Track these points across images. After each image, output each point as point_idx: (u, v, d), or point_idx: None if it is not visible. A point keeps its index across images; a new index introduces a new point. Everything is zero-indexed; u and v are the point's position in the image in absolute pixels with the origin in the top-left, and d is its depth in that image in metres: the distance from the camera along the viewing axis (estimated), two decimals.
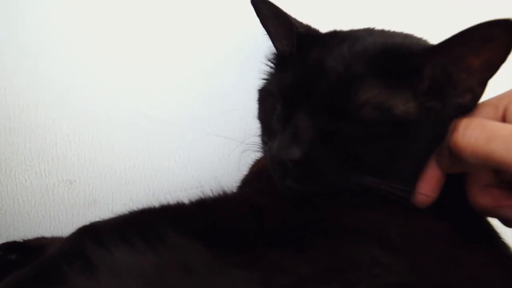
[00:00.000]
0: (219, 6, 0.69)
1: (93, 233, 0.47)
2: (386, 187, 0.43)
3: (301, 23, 0.59)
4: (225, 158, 0.71)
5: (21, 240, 0.68)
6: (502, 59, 0.43)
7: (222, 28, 0.71)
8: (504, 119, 0.42)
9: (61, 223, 0.73)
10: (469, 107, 0.46)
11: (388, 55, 0.46)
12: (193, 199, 0.48)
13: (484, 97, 0.47)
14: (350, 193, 0.44)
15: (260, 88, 0.59)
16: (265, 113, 0.57)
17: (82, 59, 0.69)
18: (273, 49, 0.61)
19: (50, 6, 0.66)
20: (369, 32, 0.54)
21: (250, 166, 0.65)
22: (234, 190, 0.60)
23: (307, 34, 0.55)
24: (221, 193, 0.50)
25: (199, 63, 0.71)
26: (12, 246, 0.66)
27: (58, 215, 0.73)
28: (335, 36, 0.53)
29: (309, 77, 0.49)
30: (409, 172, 0.45)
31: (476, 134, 0.39)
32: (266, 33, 0.61)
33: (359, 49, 0.48)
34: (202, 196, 0.49)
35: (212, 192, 0.51)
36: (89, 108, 0.70)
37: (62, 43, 0.67)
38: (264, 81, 0.59)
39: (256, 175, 0.60)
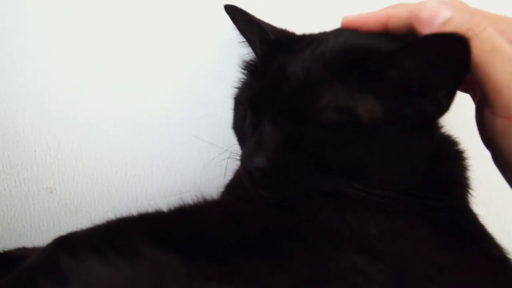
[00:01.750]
0: (202, 11, 0.68)
1: (68, 245, 0.46)
2: (358, 191, 0.43)
3: (274, 29, 0.59)
4: (209, 163, 0.70)
5: (1, 251, 0.66)
6: (463, 71, 0.43)
7: (205, 31, 0.69)
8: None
9: (43, 232, 0.72)
10: (436, 116, 0.47)
11: (346, 57, 0.46)
12: (173, 207, 0.48)
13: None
14: (328, 196, 0.43)
15: (234, 96, 0.59)
16: (237, 122, 0.58)
17: (61, 64, 0.67)
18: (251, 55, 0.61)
19: (28, 10, 0.65)
20: (338, 33, 0.54)
21: (234, 171, 0.64)
22: (218, 196, 0.60)
23: (276, 41, 0.55)
24: (202, 200, 0.49)
25: (182, 66, 0.70)
26: None
27: (39, 224, 0.72)
28: (302, 41, 0.53)
29: (272, 84, 0.49)
30: (380, 175, 0.45)
31: (481, 45, 0.41)
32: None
33: (319, 53, 0.48)
34: (182, 203, 0.48)
35: (196, 197, 0.50)
36: (69, 114, 0.68)
37: (41, 49, 0.66)
38: (238, 89, 0.59)
39: (239, 181, 0.60)
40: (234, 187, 0.59)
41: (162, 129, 0.71)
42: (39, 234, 0.72)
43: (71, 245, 0.45)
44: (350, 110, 0.45)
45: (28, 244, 0.70)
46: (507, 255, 0.48)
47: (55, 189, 0.71)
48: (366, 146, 0.45)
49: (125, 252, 0.37)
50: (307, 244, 0.35)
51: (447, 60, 0.42)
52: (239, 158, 0.56)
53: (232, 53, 0.66)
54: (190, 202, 0.49)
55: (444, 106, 0.46)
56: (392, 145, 0.46)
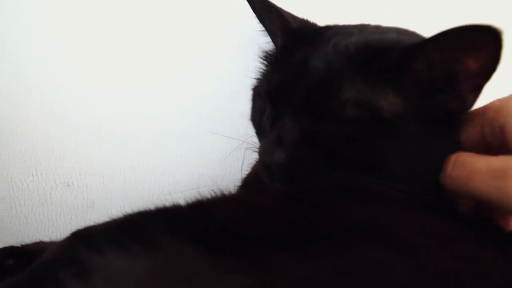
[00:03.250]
0: (217, 3, 0.69)
1: (87, 238, 0.46)
2: (379, 186, 0.42)
3: (295, 18, 0.59)
4: (225, 157, 0.71)
5: (19, 245, 0.67)
6: (493, 67, 0.42)
7: (220, 22, 0.70)
8: (483, 139, 0.44)
9: (59, 226, 0.73)
10: (458, 112, 0.46)
11: (368, 52, 0.46)
12: (190, 201, 0.48)
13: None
14: (350, 191, 0.43)
15: (253, 87, 0.59)
16: (255, 114, 0.58)
17: (79, 60, 0.68)
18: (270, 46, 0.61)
19: (41, 7, 0.65)
20: (361, 28, 0.54)
21: (252, 165, 0.64)
22: (235, 190, 0.60)
23: (298, 31, 0.55)
24: (219, 194, 0.49)
25: (196, 59, 0.71)
26: (10, 251, 0.65)
27: (56, 218, 0.73)
28: (325, 33, 0.53)
29: (293, 77, 0.49)
30: (400, 171, 0.45)
31: (459, 174, 0.41)
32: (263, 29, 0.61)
33: (342, 47, 0.48)
34: (199, 197, 0.48)
35: (213, 192, 0.50)
36: (86, 109, 0.70)
37: (60, 43, 0.67)
38: (257, 80, 0.58)
39: (257, 175, 0.60)
40: (251, 181, 0.59)
41: (178, 123, 0.72)
42: (56, 228, 0.73)
43: (90, 238, 0.45)
44: (371, 104, 0.45)
45: (45, 238, 0.71)
46: None
47: (72, 184, 0.72)
48: (387, 141, 0.45)
49: (145, 244, 0.37)
50: (331, 237, 0.34)
51: (476, 53, 0.41)
52: (256, 150, 0.56)
53: (247, 44, 0.67)
54: (207, 196, 0.49)
55: (468, 102, 0.46)
56: (413, 141, 0.45)
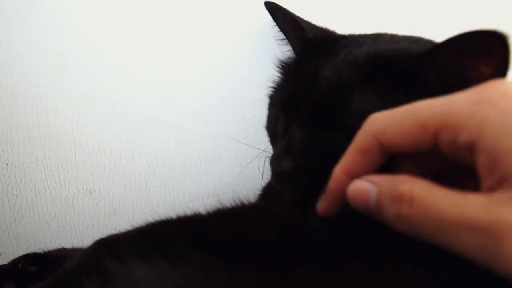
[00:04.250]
0: (239, 13, 0.71)
1: (111, 247, 0.47)
2: None
3: (313, 27, 0.61)
4: (246, 165, 0.72)
5: (42, 251, 0.70)
6: (504, 71, 0.41)
7: (242, 36, 0.72)
8: (434, 147, 0.33)
9: (82, 233, 0.75)
10: None
11: (377, 62, 0.47)
12: (210, 210, 0.49)
13: None
14: None
15: (269, 95, 0.60)
16: (270, 123, 0.59)
17: (100, 67, 0.70)
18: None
19: (67, 15, 0.68)
20: (375, 37, 0.55)
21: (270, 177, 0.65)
22: (256, 198, 0.60)
23: (313, 40, 0.57)
24: (239, 204, 0.50)
25: (219, 70, 0.72)
26: (33, 258, 0.67)
27: (78, 225, 0.75)
28: (338, 43, 0.54)
29: (303, 88, 0.51)
30: None
31: (418, 218, 0.30)
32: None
33: (352, 58, 0.49)
34: (219, 205, 0.49)
35: (233, 200, 0.51)
36: (108, 116, 0.71)
37: (80, 52, 0.69)
38: (272, 89, 0.60)
39: (268, 188, 0.62)
40: (271, 190, 0.60)
41: (200, 132, 0.74)
42: (79, 235, 0.74)
43: (114, 247, 0.46)
44: None
45: (68, 244, 0.72)
46: None
47: (95, 190, 0.74)
48: None
49: (169, 255, 0.38)
50: (358, 254, 0.34)
51: (486, 58, 0.41)
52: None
53: (269, 55, 0.67)
54: (228, 204, 0.50)
55: None
56: None
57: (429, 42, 0.53)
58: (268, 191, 0.61)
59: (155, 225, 0.49)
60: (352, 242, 0.36)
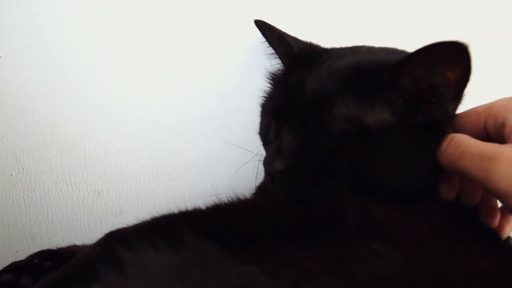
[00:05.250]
0: (234, 31, 0.74)
1: (121, 237, 0.51)
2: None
3: (298, 42, 0.64)
4: (241, 167, 0.74)
5: (55, 248, 0.71)
6: (467, 78, 0.46)
7: (237, 50, 0.75)
8: (485, 129, 0.49)
9: (91, 231, 0.78)
10: (441, 120, 0.50)
11: (357, 73, 0.51)
12: (209, 205, 0.52)
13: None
14: (352, 193, 0.47)
15: (261, 104, 0.63)
16: (262, 129, 0.63)
17: (108, 80, 0.73)
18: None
19: (75, 33, 0.71)
20: (354, 50, 0.58)
21: (263, 177, 0.68)
22: (249, 197, 0.64)
23: (299, 54, 0.60)
24: (235, 199, 0.54)
25: (217, 81, 0.76)
26: (47, 254, 0.70)
27: (88, 224, 0.78)
28: (321, 56, 0.57)
29: (291, 97, 0.54)
30: (389, 177, 0.49)
31: (453, 151, 0.45)
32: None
33: (334, 69, 0.53)
34: (217, 202, 0.53)
35: (228, 198, 0.54)
36: (115, 124, 0.75)
37: (89, 67, 0.72)
38: (264, 98, 0.63)
39: (262, 187, 0.66)
40: (264, 188, 0.64)
41: (198, 136, 0.77)
42: (88, 233, 0.77)
43: (123, 237, 0.50)
44: (359, 120, 0.49)
45: (78, 242, 0.76)
46: None
47: (103, 192, 0.77)
48: (374, 152, 0.49)
49: (172, 242, 0.42)
50: (332, 234, 0.39)
51: (450, 66, 0.45)
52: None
53: (260, 68, 0.70)
54: (225, 200, 0.53)
55: (449, 110, 0.50)
56: (402, 150, 0.49)
57: (402, 52, 0.57)
58: (261, 190, 0.64)
59: (160, 218, 0.53)
60: (331, 225, 0.42)
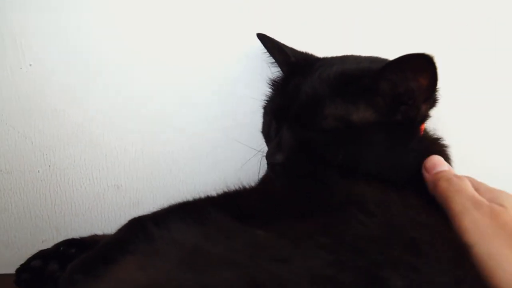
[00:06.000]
0: (240, 45, 0.79)
1: (149, 218, 0.58)
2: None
3: (295, 52, 0.70)
4: (246, 162, 0.79)
5: (78, 237, 0.76)
6: (434, 83, 0.55)
7: (241, 60, 0.79)
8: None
9: (111, 222, 0.83)
10: (416, 119, 0.58)
11: (344, 79, 0.59)
12: (219, 192, 0.60)
13: None
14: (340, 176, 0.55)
15: (263, 106, 0.70)
16: (264, 127, 0.70)
17: (128, 86, 0.78)
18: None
19: (97, 36, 0.76)
20: (343, 59, 0.66)
21: (265, 170, 0.73)
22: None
23: (295, 63, 0.67)
24: (241, 187, 0.62)
25: (224, 88, 0.81)
26: (72, 242, 0.75)
27: (108, 215, 0.83)
28: (315, 64, 0.65)
29: (289, 100, 0.61)
30: (373, 166, 0.56)
31: (448, 187, 0.53)
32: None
33: (325, 76, 0.60)
34: (226, 189, 0.61)
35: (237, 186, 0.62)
36: (132, 125, 0.80)
37: (110, 73, 0.77)
38: (265, 101, 0.70)
39: (267, 177, 0.72)
40: (266, 179, 0.70)
41: (207, 136, 0.82)
42: (108, 224, 0.83)
43: (151, 217, 0.58)
44: (346, 118, 0.57)
45: (99, 232, 0.81)
46: None
47: (121, 186, 0.82)
48: (361, 146, 0.57)
49: (196, 218, 0.49)
50: (323, 209, 0.48)
51: (420, 73, 0.54)
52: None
53: (262, 75, 0.77)
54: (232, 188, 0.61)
55: (422, 110, 0.58)
56: (384, 144, 0.57)
57: (384, 61, 0.63)
58: (264, 180, 0.71)
59: (178, 204, 0.61)
60: (318, 202, 0.50)
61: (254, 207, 0.54)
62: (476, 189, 0.52)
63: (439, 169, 0.56)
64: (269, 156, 0.61)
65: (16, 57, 0.75)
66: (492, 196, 0.50)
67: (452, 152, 0.65)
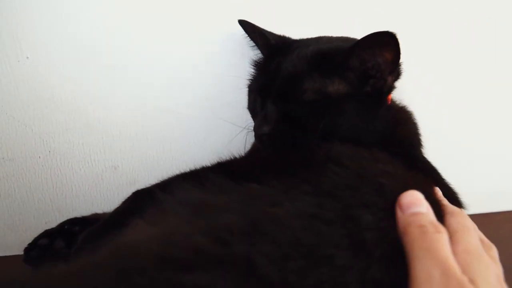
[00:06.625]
0: (224, 31, 0.83)
1: (148, 189, 0.65)
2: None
3: (274, 35, 0.77)
4: (233, 138, 0.84)
5: (80, 216, 0.81)
6: (398, 57, 0.62)
7: (226, 44, 0.84)
8: None
9: (109, 200, 0.88)
10: (383, 90, 0.65)
11: (320, 56, 0.66)
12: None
13: None
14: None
15: (248, 85, 0.77)
16: (250, 104, 0.76)
17: (121, 72, 0.82)
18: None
19: (91, 28, 0.79)
20: (318, 39, 0.73)
21: (252, 143, 0.80)
22: None
23: (275, 45, 0.73)
24: (233, 157, 0.69)
25: (211, 69, 0.85)
26: (75, 221, 0.80)
27: (106, 194, 0.88)
28: (292, 45, 0.71)
29: (272, 77, 0.67)
30: (349, 134, 0.63)
31: (420, 235, 0.43)
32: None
33: (303, 54, 0.67)
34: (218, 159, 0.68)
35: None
36: (127, 108, 0.84)
37: (104, 60, 0.81)
38: (250, 80, 0.76)
39: (254, 147, 0.79)
40: (253, 151, 0.78)
41: (196, 116, 0.87)
42: (107, 202, 0.88)
43: (160, 185, 0.64)
44: (323, 90, 0.64)
45: (99, 210, 0.86)
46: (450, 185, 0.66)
47: (118, 167, 0.87)
48: (336, 115, 0.64)
49: (198, 181, 0.56)
50: (306, 166, 0.55)
51: (385, 48, 0.61)
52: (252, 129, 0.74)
53: (245, 57, 0.83)
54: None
55: (389, 82, 0.66)
56: (357, 113, 0.64)
57: (354, 40, 0.70)
58: (252, 151, 0.77)
59: (177, 174, 0.67)
60: (300, 162, 0.58)
61: (246, 170, 0.62)
62: (455, 244, 0.44)
63: (414, 209, 0.46)
64: (256, 128, 0.67)
65: (14, 50, 0.78)
66: (469, 264, 0.42)
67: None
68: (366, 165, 0.54)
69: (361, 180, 0.50)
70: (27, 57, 0.79)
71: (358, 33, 0.66)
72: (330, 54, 0.66)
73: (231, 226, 0.42)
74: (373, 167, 0.54)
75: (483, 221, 0.57)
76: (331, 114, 0.64)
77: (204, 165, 0.68)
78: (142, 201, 0.64)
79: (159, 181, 0.67)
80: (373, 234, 0.43)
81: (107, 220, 0.66)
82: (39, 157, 0.85)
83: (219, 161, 0.69)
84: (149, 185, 0.68)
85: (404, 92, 0.74)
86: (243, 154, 0.76)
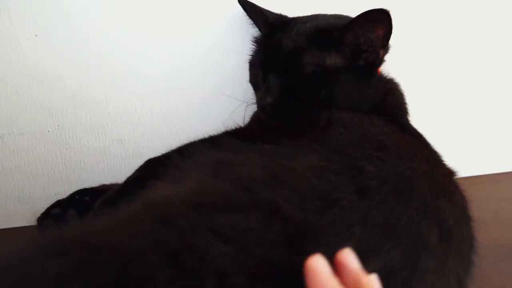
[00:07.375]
0: (226, 10, 0.86)
1: (178, 150, 0.70)
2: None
3: (272, 14, 0.81)
4: (233, 111, 0.87)
5: (89, 187, 0.87)
6: (390, 32, 0.67)
7: (229, 22, 0.87)
8: None
9: (116, 172, 0.92)
10: (375, 63, 0.71)
11: (318, 32, 0.71)
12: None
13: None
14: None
15: (249, 61, 0.81)
16: (252, 77, 0.80)
17: (125, 51, 0.85)
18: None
19: (98, 8, 0.82)
20: (314, 17, 0.77)
21: (251, 115, 0.85)
22: None
23: (274, 23, 0.78)
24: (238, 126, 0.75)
25: (214, 45, 0.89)
26: (85, 191, 0.85)
27: (113, 166, 0.92)
28: (290, 23, 0.75)
29: (273, 52, 0.71)
30: (344, 102, 0.69)
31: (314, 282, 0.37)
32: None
33: (302, 31, 0.72)
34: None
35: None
36: (133, 84, 0.87)
37: (108, 40, 0.84)
38: (251, 56, 0.80)
39: (256, 117, 0.84)
40: (252, 122, 0.83)
41: (198, 90, 0.90)
42: (114, 174, 0.92)
43: (179, 149, 0.69)
44: (321, 63, 0.69)
45: (107, 182, 0.90)
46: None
47: (124, 140, 0.91)
48: (334, 86, 0.70)
49: (211, 143, 0.64)
50: (311, 129, 0.62)
51: (378, 24, 0.67)
52: (255, 102, 0.79)
53: (246, 34, 0.86)
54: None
55: (380, 56, 0.72)
56: (351, 83, 0.70)
57: (348, 17, 0.76)
58: (254, 119, 0.82)
59: (187, 143, 0.73)
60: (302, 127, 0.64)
61: (255, 135, 0.67)
62: None
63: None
64: (260, 99, 0.72)
65: (23, 29, 0.81)
66: None
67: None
68: (366, 126, 0.60)
69: (363, 138, 0.57)
70: (36, 35, 0.82)
71: (351, 12, 0.70)
72: (327, 30, 0.71)
73: (253, 177, 0.48)
74: (372, 128, 0.60)
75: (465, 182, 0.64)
76: (329, 85, 0.69)
77: (212, 134, 0.73)
78: (156, 168, 0.69)
79: (173, 149, 0.72)
80: (375, 182, 0.50)
81: (123, 186, 0.70)
82: (48, 131, 0.88)
83: (226, 130, 0.74)
84: (160, 154, 0.73)
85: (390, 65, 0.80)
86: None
